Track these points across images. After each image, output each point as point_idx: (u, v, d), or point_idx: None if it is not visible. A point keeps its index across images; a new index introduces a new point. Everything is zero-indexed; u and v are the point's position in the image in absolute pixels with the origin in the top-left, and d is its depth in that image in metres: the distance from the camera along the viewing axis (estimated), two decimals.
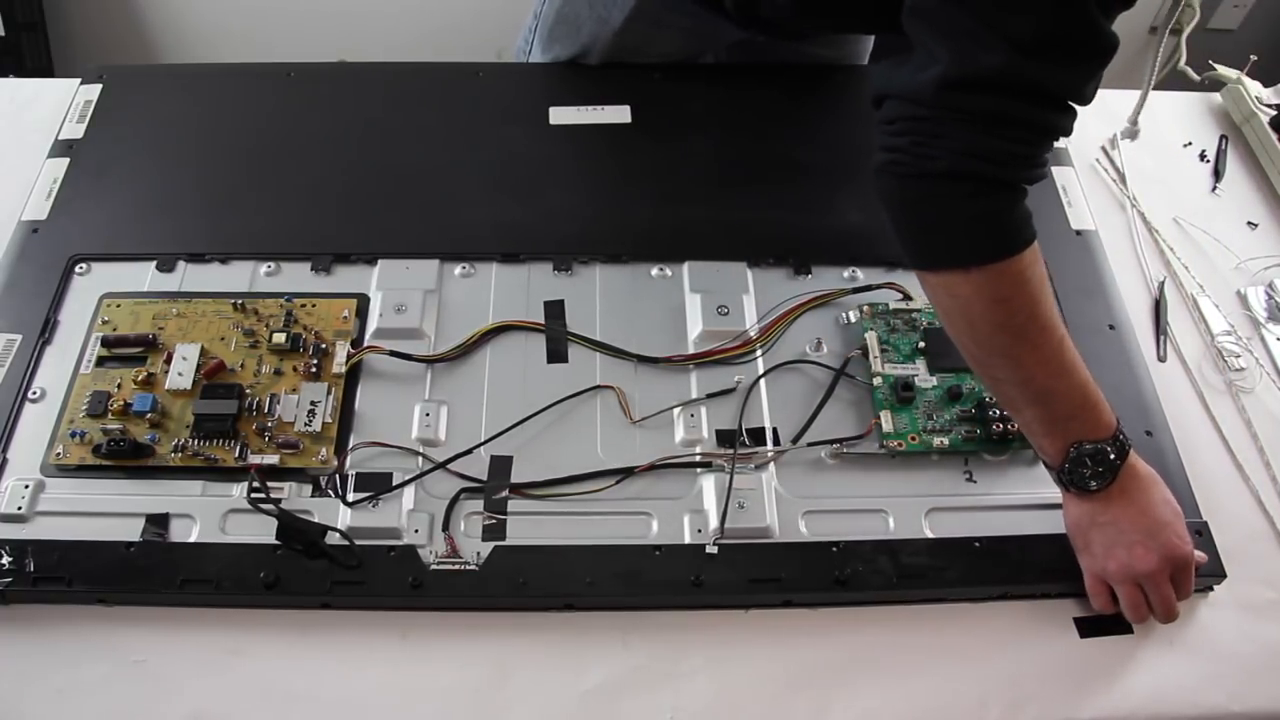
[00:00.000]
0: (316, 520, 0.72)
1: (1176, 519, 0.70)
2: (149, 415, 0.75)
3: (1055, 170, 0.96)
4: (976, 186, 0.64)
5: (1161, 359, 0.86)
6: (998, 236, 0.64)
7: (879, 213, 0.89)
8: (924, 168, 0.64)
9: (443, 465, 0.75)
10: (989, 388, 0.74)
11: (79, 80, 1.01)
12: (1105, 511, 0.69)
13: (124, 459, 0.73)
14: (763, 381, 0.80)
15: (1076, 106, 0.64)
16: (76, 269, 0.85)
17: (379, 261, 0.86)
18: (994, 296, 0.65)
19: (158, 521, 0.71)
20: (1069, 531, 0.72)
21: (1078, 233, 0.92)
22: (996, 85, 0.61)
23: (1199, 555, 0.71)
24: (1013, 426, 0.76)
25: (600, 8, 1.00)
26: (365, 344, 0.81)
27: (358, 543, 0.71)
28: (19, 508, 0.71)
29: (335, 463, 0.74)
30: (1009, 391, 0.69)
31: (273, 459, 0.74)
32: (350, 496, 0.73)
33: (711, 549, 0.72)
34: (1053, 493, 0.76)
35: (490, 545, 0.72)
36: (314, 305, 0.82)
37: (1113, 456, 0.68)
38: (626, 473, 0.75)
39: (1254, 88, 1.06)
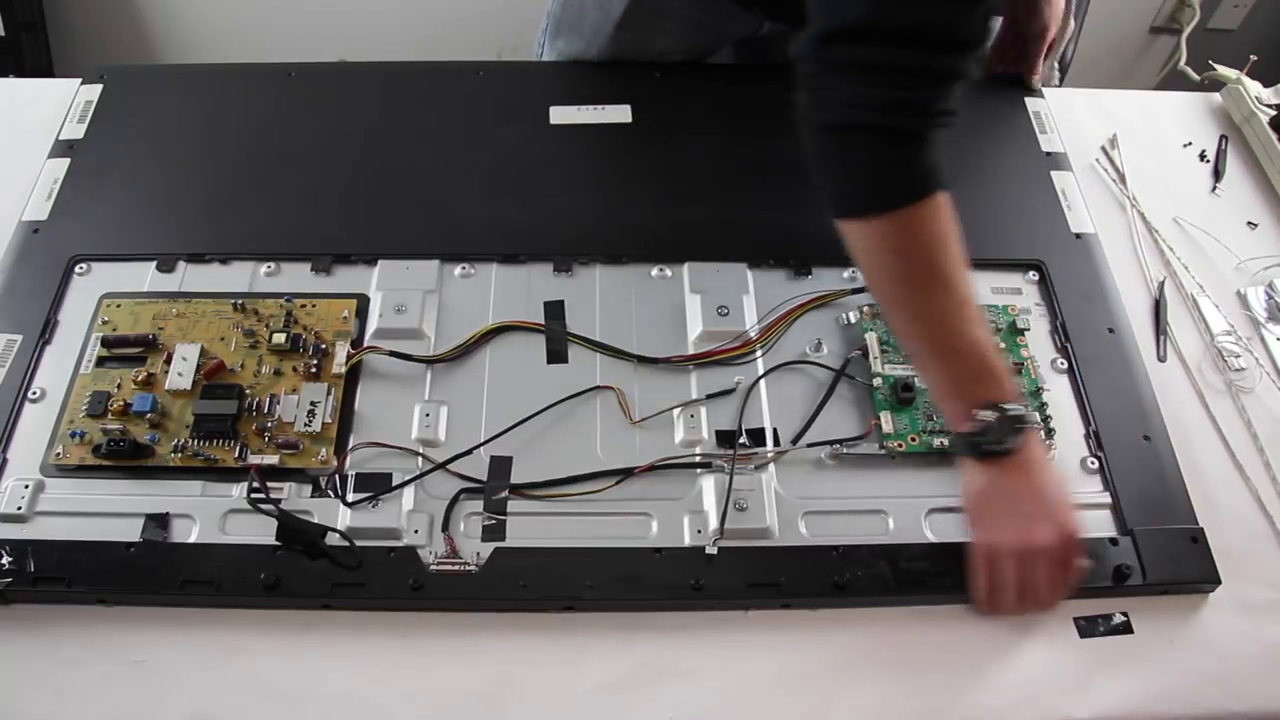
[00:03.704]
0: (316, 521, 0.72)
1: (1070, 503, 0.70)
2: (149, 415, 0.75)
3: (1054, 174, 0.96)
4: (866, 137, 0.65)
5: (1161, 359, 0.86)
6: (891, 186, 0.66)
7: None
8: (818, 120, 0.66)
9: (442, 466, 0.75)
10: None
11: (79, 80, 1.01)
12: (1007, 485, 0.69)
13: (124, 459, 0.73)
14: (763, 382, 0.80)
15: (966, 48, 0.64)
16: (76, 269, 0.85)
17: (379, 262, 0.86)
18: (889, 247, 0.67)
19: (158, 522, 0.71)
20: (965, 502, 0.71)
21: (1077, 236, 0.92)
22: (865, 33, 0.62)
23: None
24: None
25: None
26: (365, 344, 0.81)
27: (357, 543, 0.71)
28: (19, 508, 0.71)
29: (335, 463, 0.74)
30: (914, 346, 0.71)
31: (273, 459, 0.74)
32: (350, 497, 0.73)
33: (711, 550, 0.72)
34: None
35: (490, 546, 0.72)
36: (314, 305, 0.82)
37: (1017, 423, 0.68)
38: (626, 473, 0.75)
39: (1254, 88, 1.06)
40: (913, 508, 0.75)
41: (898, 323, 0.72)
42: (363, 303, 0.83)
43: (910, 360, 0.78)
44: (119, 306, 0.82)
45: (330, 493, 0.74)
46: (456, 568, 0.71)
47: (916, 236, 0.66)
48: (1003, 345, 0.82)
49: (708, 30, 1.03)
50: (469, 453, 0.76)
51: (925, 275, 0.67)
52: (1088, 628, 0.71)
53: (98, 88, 1.00)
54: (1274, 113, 1.04)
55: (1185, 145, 1.05)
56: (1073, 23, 1.06)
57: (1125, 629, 0.71)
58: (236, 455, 0.74)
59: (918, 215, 0.66)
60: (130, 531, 0.71)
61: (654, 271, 0.87)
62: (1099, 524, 0.75)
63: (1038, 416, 0.70)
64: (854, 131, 0.65)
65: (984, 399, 0.68)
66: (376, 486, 0.74)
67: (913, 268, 0.67)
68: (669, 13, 0.99)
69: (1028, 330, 0.83)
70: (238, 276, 0.86)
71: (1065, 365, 0.83)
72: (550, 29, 1.09)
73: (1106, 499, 0.76)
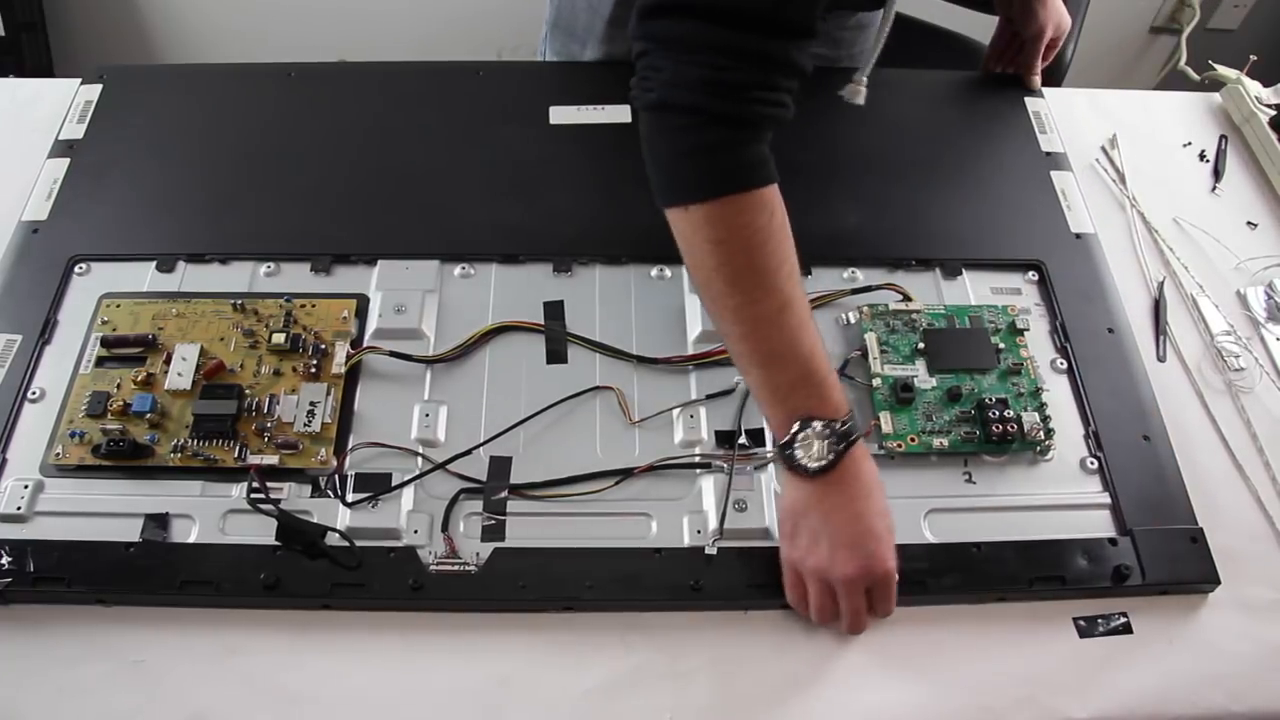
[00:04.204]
0: (316, 521, 0.72)
1: (888, 534, 0.67)
2: (148, 415, 0.75)
3: (1054, 174, 0.97)
4: (685, 118, 0.63)
5: (1161, 359, 0.86)
6: (709, 173, 0.63)
7: (879, 214, 0.90)
8: (643, 100, 0.64)
9: (442, 466, 0.75)
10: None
11: (79, 80, 1.01)
12: (820, 504, 0.66)
13: (123, 459, 0.73)
14: None
15: (790, 34, 0.62)
16: (76, 269, 0.85)
17: (379, 262, 0.86)
18: (708, 237, 0.64)
19: (157, 522, 0.71)
20: (780, 514, 0.69)
21: (1077, 236, 0.92)
22: (683, 7, 0.61)
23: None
24: (1012, 428, 0.76)
25: None
26: (365, 344, 0.81)
27: (357, 543, 0.71)
28: (18, 508, 0.71)
29: (335, 463, 0.74)
30: (734, 346, 0.68)
31: (272, 459, 0.74)
32: (350, 497, 0.73)
33: (711, 550, 0.72)
34: (1052, 494, 0.76)
35: (490, 546, 0.72)
36: (313, 305, 0.82)
37: (833, 440, 0.64)
38: (626, 473, 0.75)
39: (1254, 88, 1.06)
40: (912, 508, 0.75)
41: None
42: (362, 303, 0.83)
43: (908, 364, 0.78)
44: (119, 306, 0.82)
45: (330, 493, 0.74)
46: (456, 568, 0.71)
47: (733, 229, 0.63)
48: (1002, 345, 0.82)
49: None
50: (468, 453, 0.76)
51: (743, 272, 0.64)
52: (1087, 628, 0.71)
53: (97, 88, 1.00)
54: (1274, 113, 1.04)
55: (1185, 145, 1.05)
56: (1068, 20, 1.05)
57: (1125, 629, 0.71)
58: (236, 455, 0.74)
59: (736, 207, 0.63)
60: (130, 531, 0.71)
61: (654, 272, 0.87)
62: (1099, 524, 0.75)
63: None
64: (673, 111, 0.63)
65: (802, 411, 0.65)
66: (376, 487, 0.74)
67: (729, 262, 0.64)
68: None
69: (1027, 330, 0.83)
70: (237, 276, 0.86)
71: (1065, 365, 0.83)
72: (547, 34, 1.09)
73: (1106, 499, 0.76)
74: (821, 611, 0.67)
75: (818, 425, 0.65)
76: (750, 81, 0.62)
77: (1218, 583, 0.73)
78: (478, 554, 0.71)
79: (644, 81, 0.64)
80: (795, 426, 0.65)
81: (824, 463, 0.65)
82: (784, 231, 0.64)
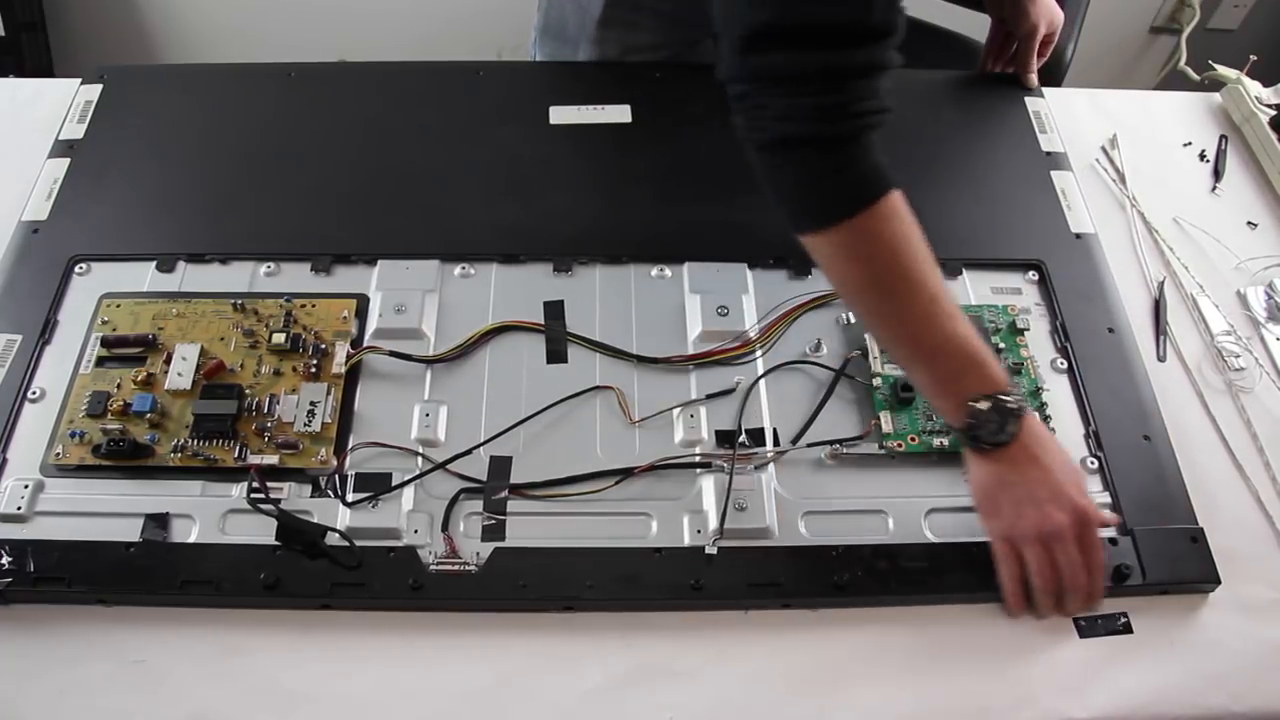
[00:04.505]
0: (316, 521, 0.72)
1: (1081, 478, 0.70)
2: (148, 415, 0.75)
3: (1054, 174, 0.97)
4: (803, 149, 0.64)
5: (1161, 359, 0.86)
6: (838, 195, 0.65)
7: None
8: (755, 140, 0.65)
9: (442, 466, 0.75)
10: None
11: (79, 80, 1.01)
12: (1013, 472, 0.68)
13: (123, 459, 0.73)
14: (762, 382, 0.80)
15: (880, 37, 0.62)
16: (76, 269, 0.85)
17: (379, 262, 0.86)
18: (851, 255, 0.66)
19: (157, 522, 0.71)
20: (975, 497, 0.71)
21: (1077, 236, 0.92)
22: (773, 38, 0.61)
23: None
24: None
25: None
26: (365, 344, 0.81)
27: (357, 543, 0.71)
28: (19, 508, 0.71)
29: (335, 463, 0.74)
30: (897, 351, 0.71)
31: (272, 459, 0.74)
32: (350, 497, 0.73)
33: (711, 550, 0.72)
34: None
35: (490, 546, 0.72)
36: (314, 305, 0.82)
37: (1012, 408, 0.67)
38: (626, 473, 0.75)
39: (1254, 88, 1.06)
40: (912, 508, 0.75)
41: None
42: (362, 303, 0.83)
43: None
44: (119, 306, 0.82)
45: (330, 493, 0.74)
46: (456, 568, 0.71)
47: (875, 241, 0.66)
48: (1002, 345, 0.82)
49: (687, 24, 1.03)
50: (469, 453, 0.76)
51: (892, 278, 0.66)
52: (1088, 628, 0.71)
53: (98, 88, 1.00)
54: (1274, 113, 1.04)
55: (1185, 145, 1.05)
56: (1061, 15, 1.05)
57: (1125, 629, 0.71)
58: (236, 455, 0.74)
59: (872, 220, 0.65)
60: (130, 531, 0.71)
61: (654, 271, 0.87)
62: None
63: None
64: (790, 146, 0.64)
65: (973, 391, 0.67)
66: (376, 486, 0.74)
67: (879, 273, 0.66)
68: (644, 8, 0.99)
69: (1027, 330, 0.83)
70: (237, 276, 0.86)
71: (1065, 365, 0.83)
72: (537, 40, 1.09)
73: (1106, 499, 0.76)
74: (1044, 575, 0.68)
75: (992, 402, 0.67)
76: (857, 96, 0.63)
77: (1218, 583, 0.73)
78: (478, 554, 0.71)
79: (754, 121, 0.65)
80: (971, 409, 0.67)
81: (1008, 436, 0.67)
82: (914, 226, 0.66)
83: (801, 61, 0.62)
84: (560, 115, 0.99)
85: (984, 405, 0.67)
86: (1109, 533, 0.74)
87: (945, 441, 0.77)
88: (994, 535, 0.70)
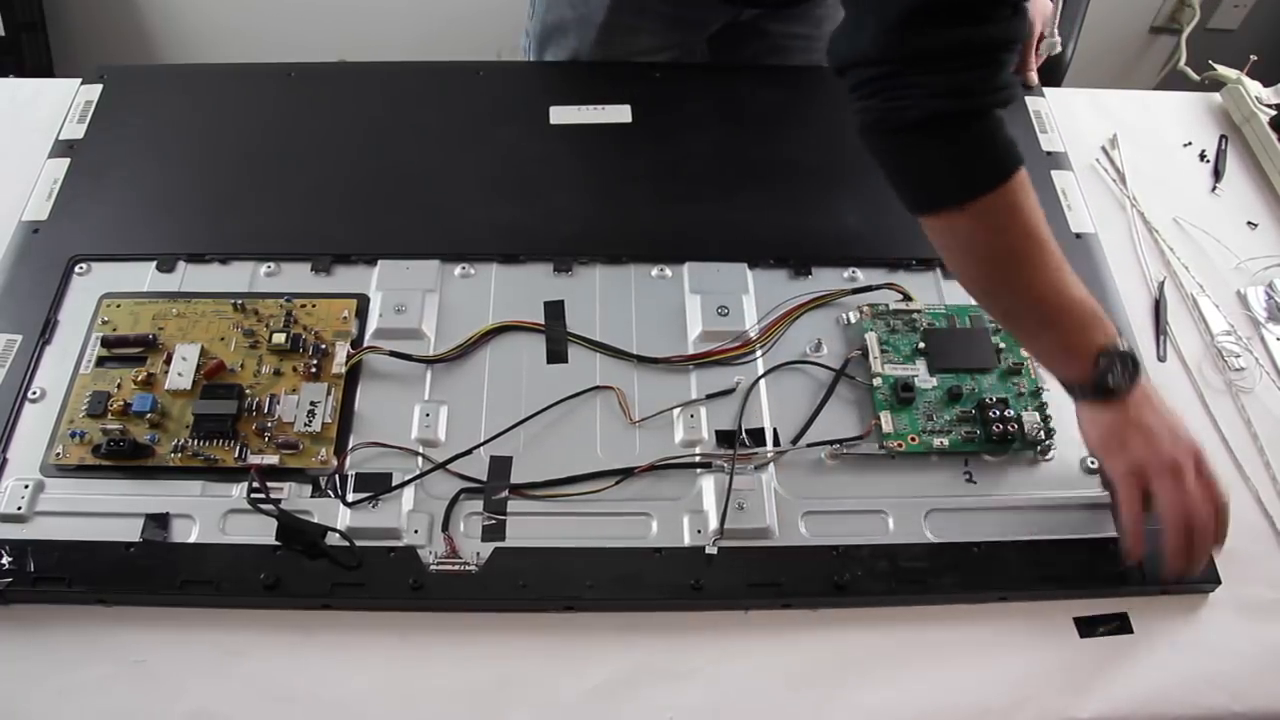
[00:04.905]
0: (316, 521, 0.72)
1: (1186, 424, 0.72)
2: (149, 415, 0.75)
3: (1055, 174, 0.97)
4: (954, 124, 0.65)
5: (1161, 359, 0.86)
6: (986, 167, 0.66)
7: (879, 214, 0.90)
8: (902, 119, 0.65)
9: (442, 466, 0.75)
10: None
11: (79, 80, 1.01)
12: (1141, 408, 0.70)
13: (124, 459, 0.73)
14: (762, 382, 0.80)
15: (1012, 6, 0.63)
16: (76, 269, 0.85)
17: (379, 262, 0.86)
18: (993, 226, 0.67)
19: (158, 522, 0.71)
20: (1099, 442, 0.72)
21: (1077, 236, 0.92)
22: (937, 14, 0.62)
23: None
24: (1013, 427, 0.76)
25: (581, 6, 1.00)
26: (365, 344, 0.81)
27: (357, 543, 0.71)
28: (19, 508, 0.71)
29: (335, 463, 0.74)
30: (1023, 320, 0.72)
31: (272, 459, 0.74)
32: (350, 497, 0.73)
33: (711, 550, 0.72)
34: (1053, 494, 0.76)
35: (490, 546, 0.72)
36: (314, 305, 0.82)
37: (1135, 355, 0.70)
38: (626, 473, 0.75)
39: (1254, 88, 1.06)
40: (913, 508, 0.75)
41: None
42: (363, 303, 0.83)
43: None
44: (119, 306, 0.82)
45: (330, 493, 0.74)
46: (456, 568, 0.71)
47: (1020, 209, 0.66)
48: (1002, 345, 0.82)
49: (688, 24, 1.04)
50: (469, 453, 0.76)
51: (1030, 244, 0.67)
52: (1088, 628, 0.71)
53: (98, 88, 1.00)
54: (1274, 113, 1.04)
55: (1185, 145, 1.05)
56: (1051, 3, 1.05)
57: (1125, 629, 0.71)
58: (236, 455, 0.74)
59: (1014, 188, 0.66)
60: (130, 531, 0.71)
61: (654, 271, 0.87)
62: (1099, 524, 0.75)
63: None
64: (941, 122, 0.65)
65: (1100, 344, 0.69)
66: (376, 486, 0.74)
67: (1017, 240, 0.67)
68: (648, 11, 0.99)
69: None
70: (237, 276, 0.86)
71: None
72: (531, 46, 1.09)
73: (1107, 499, 0.76)
74: (1177, 505, 0.68)
75: (1122, 348, 0.69)
76: (999, 69, 0.64)
77: (1218, 583, 0.73)
78: (478, 554, 0.71)
79: (899, 101, 0.64)
80: (1105, 359, 0.69)
81: (1134, 378, 0.70)
82: (1035, 196, 0.67)
83: (966, 37, 0.62)
84: (560, 115, 0.99)
85: (1112, 357, 0.69)
86: (1109, 532, 0.74)
87: (945, 442, 0.77)
88: (1120, 472, 0.70)
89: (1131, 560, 0.70)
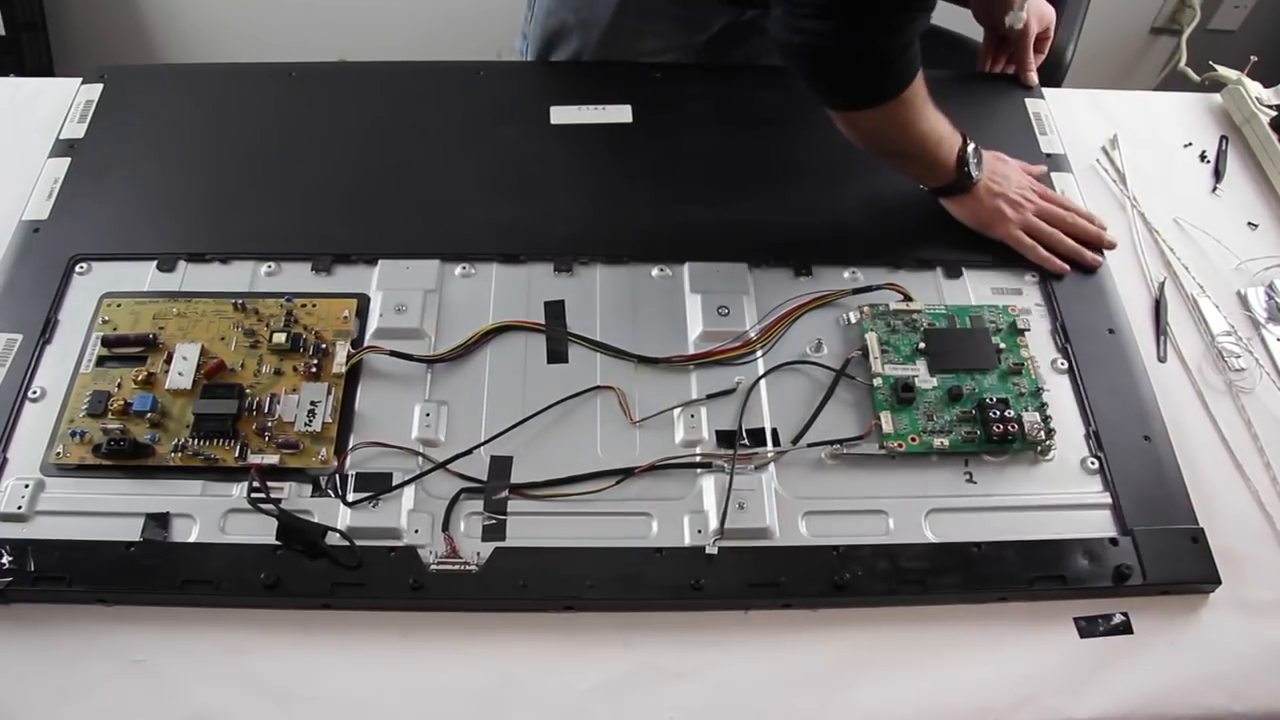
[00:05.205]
0: (316, 520, 0.72)
1: (1017, 165, 0.94)
2: (149, 415, 0.75)
3: (1054, 175, 0.97)
4: (873, 55, 0.79)
5: (1162, 359, 0.86)
6: (893, 82, 0.80)
7: (880, 214, 0.90)
8: (842, 49, 0.78)
9: (443, 465, 0.75)
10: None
11: (80, 80, 1.01)
12: (993, 184, 0.89)
13: (124, 459, 0.73)
14: (763, 382, 0.80)
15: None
16: (77, 269, 0.85)
17: (379, 261, 0.86)
18: (894, 122, 0.83)
19: (158, 521, 0.71)
20: (981, 221, 0.89)
21: None
22: None
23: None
24: (1013, 428, 0.76)
25: (584, 10, 1.00)
26: (365, 344, 0.81)
27: (358, 543, 0.71)
28: (19, 507, 0.71)
29: (335, 463, 0.74)
30: (906, 168, 0.90)
31: (273, 459, 0.74)
32: (350, 497, 0.73)
33: (711, 550, 0.72)
34: (1053, 494, 0.76)
35: (490, 546, 0.72)
36: (314, 305, 0.82)
37: (975, 150, 0.88)
38: (626, 473, 0.75)
39: (1254, 88, 1.06)
40: (913, 508, 0.75)
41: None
42: (363, 302, 0.83)
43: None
44: (119, 306, 0.82)
45: (330, 492, 0.74)
46: (457, 567, 0.71)
47: (912, 106, 0.82)
48: (1003, 345, 0.82)
49: (693, 26, 1.04)
50: (469, 452, 0.76)
51: (918, 126, 0.84)
52: (1088, 628, 0.71)
53: (98, 87, 1.00)
54: (1274, 113, 1.04)
55: (1186, 146, 1.05)
56: (1052, 11, 1.05)
57: (1125, 629, 0.71)
58: (237, 455, 0.74)
59: (910, 94, 0.81)
60: (130, 531, 0.71)
61: (654, 271, 0.87)
62: (1099, 524, 0.75)
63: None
64: (867, 55, 0.78)
65: (959, 153, 0.87)
66: (376, 486, 0.74)
67: (910, 127, 0.84)
68: (654, 14, 0.99)
69: (1028, 330, 0.83)
70: (238, 276, 0.86)
71: (1065, 365, 0.83)
72: (531, 50, 1.09)
73: (1107, 499, 0.76)
74: (1058, 233, 0.89)
75: (971, 147, 0.88)
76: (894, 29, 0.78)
77: (1218, 583, 0.73)
78: (478, 553, 0.71)
79: (841, 36, 0.77)
80: (963, 158, 0.87)
81: (982, 164, 0.89)
82: (923, 90, 0.83)
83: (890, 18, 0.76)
84: (561, 115, 0.99)
85: (966, 156, 0.87)
86: (1110, 532, 0.74)
87: (945, 442, 0.77)
88: (1012, 233, 0.89)
89: (1063, 272, 0.89)
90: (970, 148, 0.87)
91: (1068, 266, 0.89)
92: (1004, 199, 0.89)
